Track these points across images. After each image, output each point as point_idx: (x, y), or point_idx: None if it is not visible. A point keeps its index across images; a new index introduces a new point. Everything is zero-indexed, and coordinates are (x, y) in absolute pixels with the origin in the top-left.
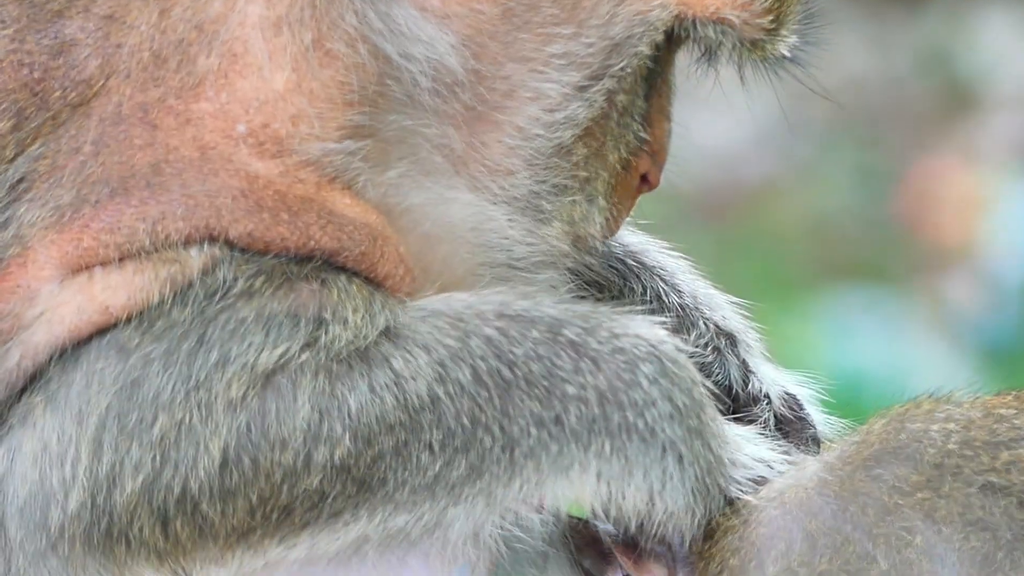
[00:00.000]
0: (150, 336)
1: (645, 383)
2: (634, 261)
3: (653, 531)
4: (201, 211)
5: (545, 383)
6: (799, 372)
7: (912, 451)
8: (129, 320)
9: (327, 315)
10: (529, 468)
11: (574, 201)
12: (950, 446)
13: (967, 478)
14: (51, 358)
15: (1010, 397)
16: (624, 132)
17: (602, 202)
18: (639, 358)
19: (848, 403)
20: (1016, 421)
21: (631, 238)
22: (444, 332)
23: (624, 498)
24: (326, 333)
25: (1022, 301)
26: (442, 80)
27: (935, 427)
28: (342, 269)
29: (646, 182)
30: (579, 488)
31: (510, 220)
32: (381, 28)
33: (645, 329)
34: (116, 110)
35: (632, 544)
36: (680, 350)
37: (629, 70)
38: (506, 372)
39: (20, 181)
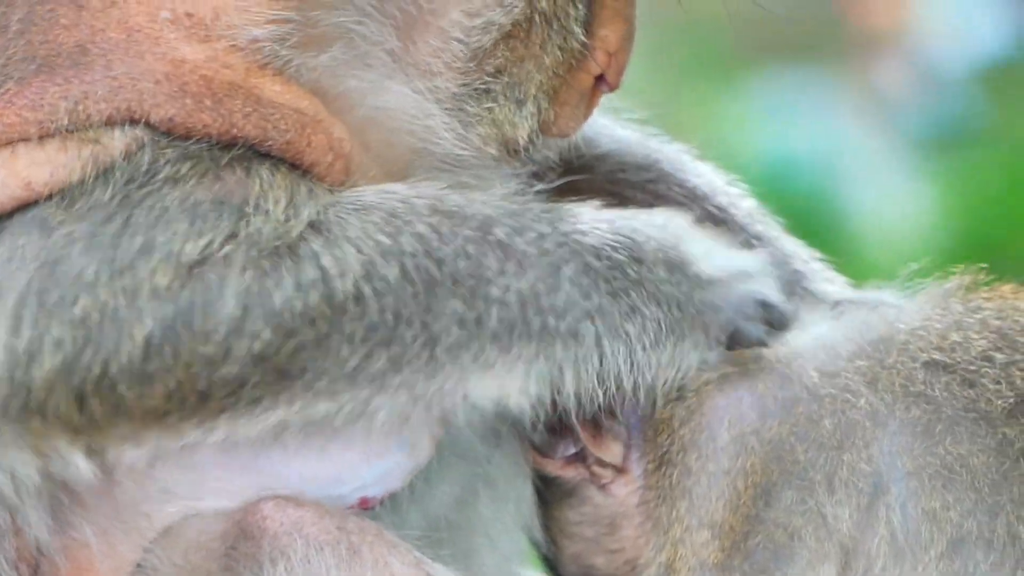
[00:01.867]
0: (73, 215)
1: (567, 286)
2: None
3: (604, 410)
4: (124, 93)
5: (471, 283)
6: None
7: (860, 325)
8: (51, 197)
9: (248, 207)
10: (450, 365)
11: (498, 105)
12: (899, 324)
13: (912, 353)
14: None
15: (969, 282)
16: (558, 37)
17: (532, 106)
18: (563, 259)
19: (778, 184)
20: (971, 307)
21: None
22: (376, 227)
23: (553, 395)
24: (248, 225)
25: (955, 89)
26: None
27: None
28: (267, 157)
29: (604, 82)
30: (505, 386)
31: (443, 121)
32: None
33: (580, 223)
34: None
35: (593, 421)
36: (617, 235)
37: None
38: (434, 270)
39: None
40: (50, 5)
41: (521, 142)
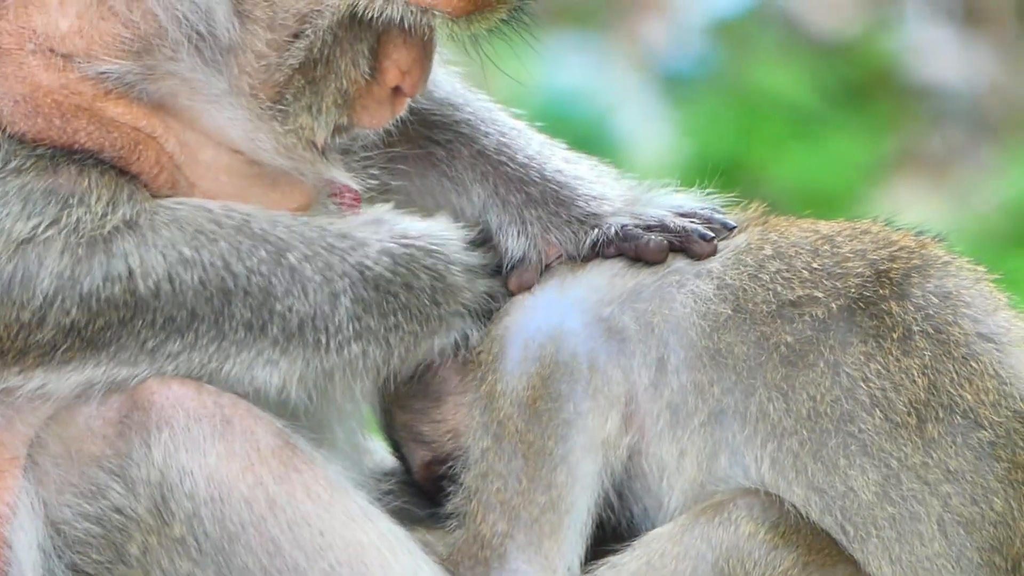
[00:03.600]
0: None
1: (343, 311)
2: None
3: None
4: None
5: (260, 296)
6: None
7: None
8: None
9: (73, 199)
10: (235, 357)
11: (298, 117)
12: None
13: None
14: None
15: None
16: (345, 66)
17: (328, 117)
18: (343, 289)
19: (561, 122)
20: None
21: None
22: (183, 239)
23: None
24: (69, 215)
25: (701, 37)
26: (207, 35)
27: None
28: (102, 163)
29: (401, 93)
30: (284, 380)
31: (264, 135)
32: None
33: (367, 255)
34: None
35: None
36: (396, 267)
37: (320, 34)
38: (228, 281)
39: None
40: None
41: (320, 144)
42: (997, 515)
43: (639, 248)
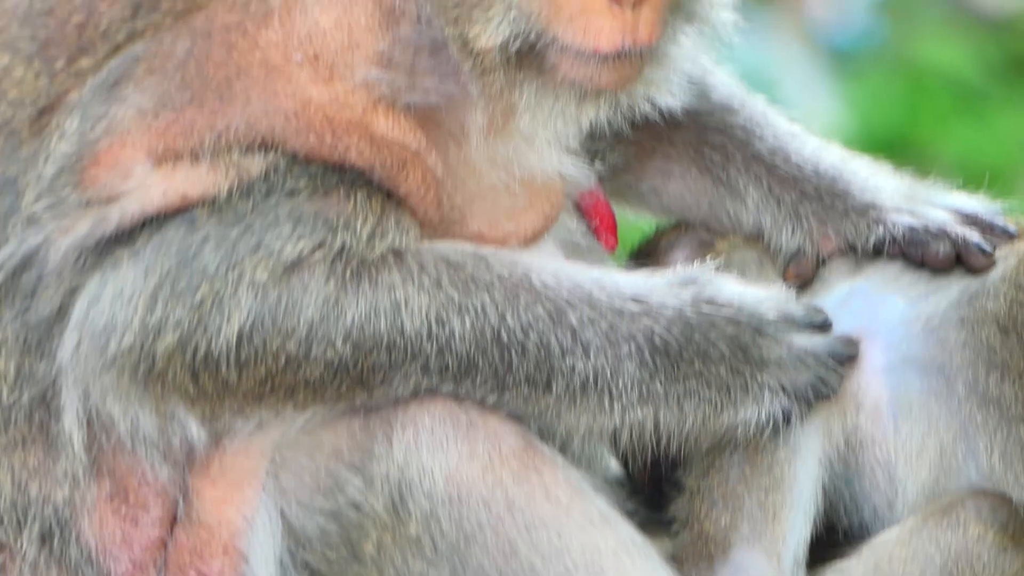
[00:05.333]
0: (214, 219)
1: (626, 376)
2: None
3: None
4: (259, 127)
5: (539, 353)
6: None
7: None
8: (201, 204)
9: (339, 223)
10: (516, 408)
11: (473, 24)
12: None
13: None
14: (137, 225)
15: None
16: None
17: (502, 14)
18: (627, 355)
19: None
20: None
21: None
22: (451, 283)
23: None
24: (335, 238)
25: (866, 11)
26: (459, 39)
27: None
28: (370, 183)
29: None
30: (570, 431)
31: (562, 156)
32: None
33: (657, 320)
34: (207, 26)
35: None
36: (688, 333)
37: None
38: (504, 335)
39: (116, 83)
40: (208, 43)
41: (490, 46)
42: None
43: (926, 256)
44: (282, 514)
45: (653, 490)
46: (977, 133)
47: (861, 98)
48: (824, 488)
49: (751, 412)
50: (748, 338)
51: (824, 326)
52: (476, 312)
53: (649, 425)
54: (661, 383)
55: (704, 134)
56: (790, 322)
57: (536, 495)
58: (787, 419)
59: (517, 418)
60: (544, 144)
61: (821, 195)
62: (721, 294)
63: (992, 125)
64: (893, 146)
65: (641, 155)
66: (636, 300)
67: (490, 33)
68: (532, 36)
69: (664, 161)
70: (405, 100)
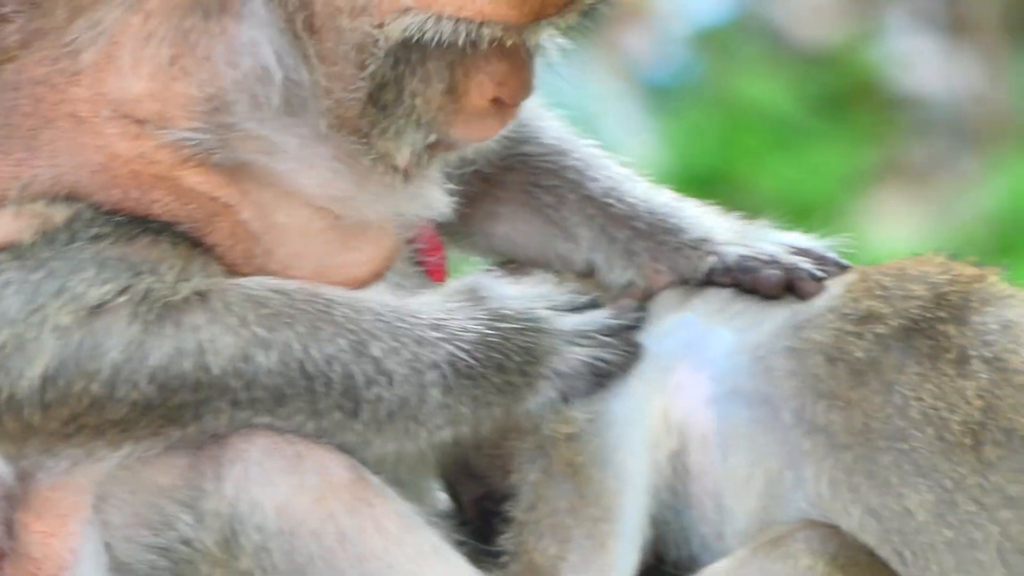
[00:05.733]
0: (15, 264)
1: (432, 403)
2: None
3: None
4: (65, 179)
5: (345, 383)
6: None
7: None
8: (4, 251)
9: (145, 267)
10: (332, 436)
11: (378, 144)
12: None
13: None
14: None
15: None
16: (418, 88)
17: (409, 138)
18: (432, 383)
19: None
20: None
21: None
22: (257, 321)
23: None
24: (140, 281)
25: (684, 47)
26: (277, 84)
27: None
28: (176, 233)
29: (504, 104)
30: (379, 454)
31: (349, 173)
32: (224, 51)
33: (460, 344)
34: (16, 78)
35: None
36: (490, 352)
37: (381, 62)
38: (309, 366)
39: None
40: (16, 94)
41: (403, 165)
42: None
43: (757, 280)
44: (109, 548)
45: (482, 522)
46: (795, 167)
47: (679, 134)
48: (653, 519)
49: (530, 403)
50: (532, 339)
51: (592, 305)
52: (281, 347)
53: (448, 440)
54: (465, 404)
55: (536, 176)
56: (559, 310)
57: (367, 527)
58: (565, 399)
59: (347, 450)
60: (383, 194)
61: (654, 232)
62: (508, 307)
63: (810, 159)
64: (711, 181)
65: (470, 198)
66: (436, 327)
67: (402, 149)
68: (432, 140)
69: (493, 204)
70: (217, 158)
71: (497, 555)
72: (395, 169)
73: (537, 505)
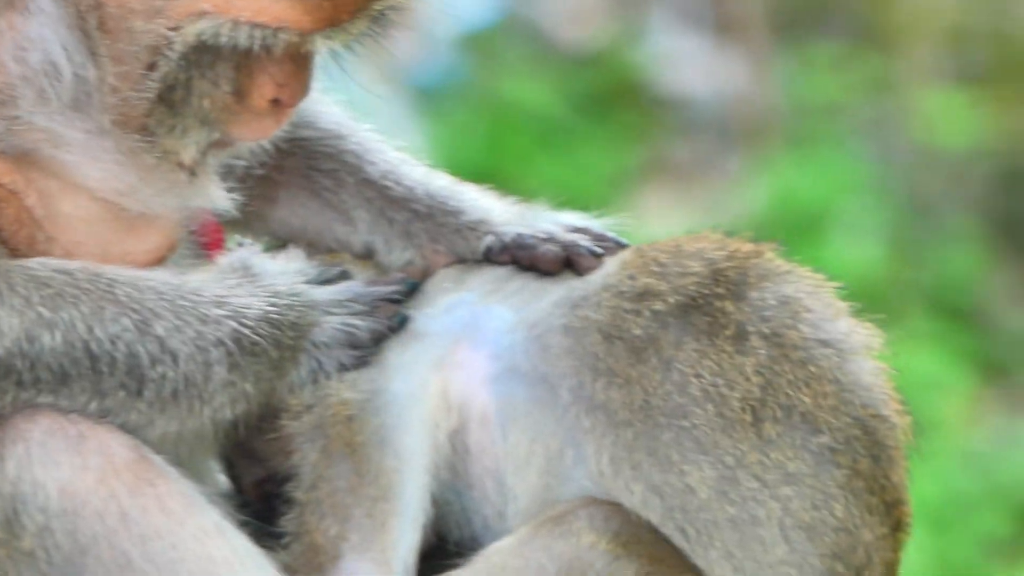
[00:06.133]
0: None
1: (217, 380)
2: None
3: None
4: None
5: (130, 362)
6: None
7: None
8: None
9: None
10: (116, 415)
11: (163, 142)
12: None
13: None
14: None
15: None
16: (206, 89)
17: (194, 136)
18: (217, 360)
19: None
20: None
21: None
22: (40, 301)
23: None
24: None
25: (450, 50)
26: (64, 79)
27: None
28: None
29: (282, 104)
30: (161, 435)
31: (134, 169)
32: (11, 46)
33: (245, 319)
34: None
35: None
36: (272, 328)
37: (173, 64)
38: (93, 346)
39: None
40: None
41: (188, 163)
42: (838, 521)
43: (535, 257)
44: None
45: (264, 504)
46: (562, 167)
47: (447, 135)
48: (435, 498)
49: (292, 376)
50: (300, 314)
51: (344, 276)
52: (65, 327)
53: (227, 417)
54: (249, 381)
55: (314, 160)
56: (313, 283)
57: (150, 507)
58: (324, 370)
59: (129, 431)
60: (166, 188)
61: (433, 214)
62: (279, 284)
63: (577, 159)
64: (479, 182)
65: (249, 183)
66: (219, 304)
67: (187, 147)
68: (215, 138)
69: (272, 188)
70: (2, 146)
71: (279, 536)
72: (180, 166)
73: (317, 485)
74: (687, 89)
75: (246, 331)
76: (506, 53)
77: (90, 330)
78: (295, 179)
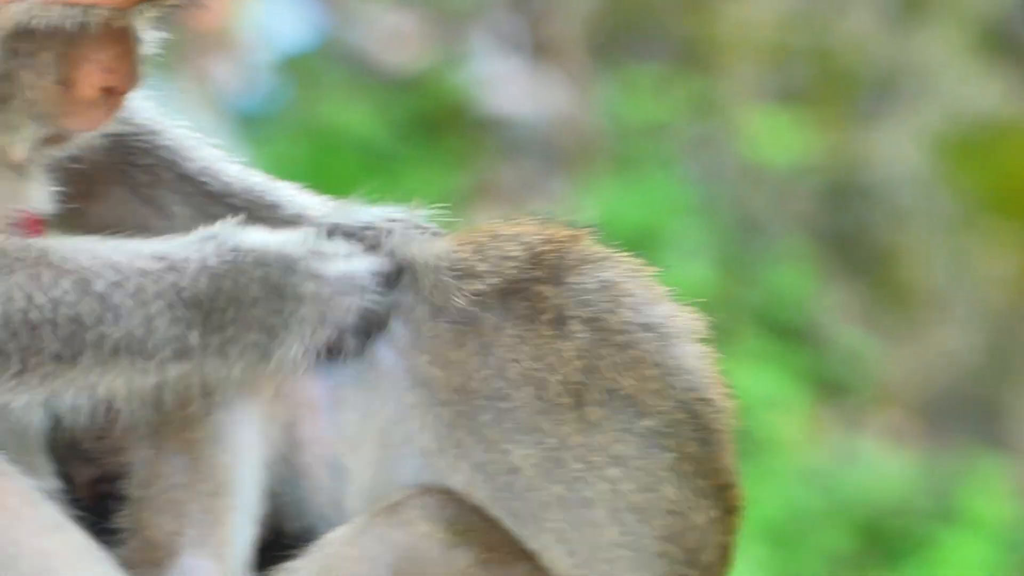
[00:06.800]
0: None
1: (159, 334)
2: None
3: None
4: None
5: (71, 327)
6: None
7: None
8: None
9: None
10: (39, 388)
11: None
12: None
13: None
14: None
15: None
16: (32, 79)
17: (26, 131)
18: (159, 312)
19: None
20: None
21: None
22: None
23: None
24: None
25: (270, 75)
26: None
27: None
28: None
29: (113, 91)
30: (103, 398)
31: None
32: None
33: (186, 270)
34: None
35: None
36: (220, 281)
37: None
38: (34, 314)
39: None
40: None
41: (20, 160)
42: (670, 504)
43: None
44: None
45: (98, 504)
46: (387, 192)
47: (269, 161)
48: (270, 492)
49: (296, 348)
50: (277, 277)
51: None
52: (3, 299)
53: (196, 378)
54: (198, 336)
55: (131, 156)
56: (320, 255)
57: None
58: (338, 349)
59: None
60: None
61: (252, 209)
62: (244, 242)
63: (402, 183)
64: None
65: (67, 181)
66: (158, 258)
67: (16, 144)
68: (48, 134)
69: (88, 184)
70: None
71: (115, 532)
72: (9, 164)
73: (152, 481)
74: (509, 112)
75: (184, 282)
76: (327, 77)
77: (29, 299)
78: (112, 175)
